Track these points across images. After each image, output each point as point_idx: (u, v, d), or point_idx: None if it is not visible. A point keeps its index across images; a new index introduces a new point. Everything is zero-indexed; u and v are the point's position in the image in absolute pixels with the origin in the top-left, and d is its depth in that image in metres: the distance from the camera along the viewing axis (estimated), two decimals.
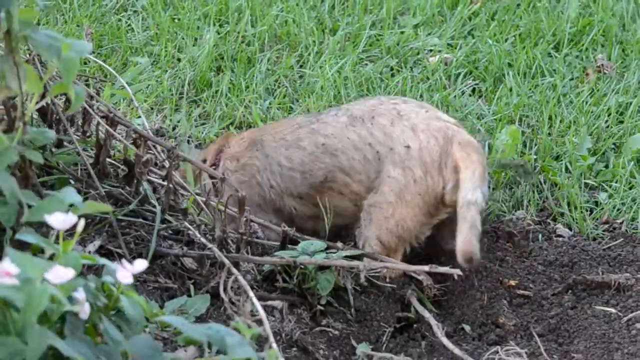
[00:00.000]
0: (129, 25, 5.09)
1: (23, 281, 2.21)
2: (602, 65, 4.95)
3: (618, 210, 4.15)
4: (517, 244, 3.94)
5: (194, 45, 4.94)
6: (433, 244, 3.70)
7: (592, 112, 4.61)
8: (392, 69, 4.91)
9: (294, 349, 3.22)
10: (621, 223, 4.09)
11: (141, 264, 2.43)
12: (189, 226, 3.36)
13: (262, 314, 2.88)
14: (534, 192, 4.20)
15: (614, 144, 4.46)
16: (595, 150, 4.43)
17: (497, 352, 3.34)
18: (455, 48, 5.03)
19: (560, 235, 4.03)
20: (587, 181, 4.27)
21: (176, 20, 5.13)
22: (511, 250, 3.91)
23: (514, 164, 4.20)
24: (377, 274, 3.47)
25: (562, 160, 4.36)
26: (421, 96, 4.64)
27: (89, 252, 3.13)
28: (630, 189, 4.22)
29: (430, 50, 5.04)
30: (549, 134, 4.48)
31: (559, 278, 3.77)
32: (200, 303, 3.15)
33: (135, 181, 3.36)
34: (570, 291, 3.69)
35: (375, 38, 5.09)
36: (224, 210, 3.29)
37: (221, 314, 3.18)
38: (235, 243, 3.34)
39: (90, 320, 2.38)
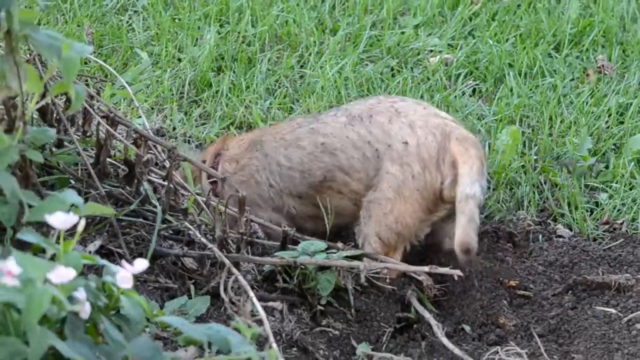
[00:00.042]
0: (129, 25, 5.08)
1: (25, 282, 2.21)
2: (603, 65, 4.95)
3: (618, 210, 4.15)
4: (518, 245, 3.94)
5: (194, 45, 4.94)
6: (433, 245, 3.70)
7: (592, 112, 4.61)
8: (392, 69, 4.91)
9: (294, 349, 3.22)
10: (621, 224, 4.09)
11: (142, 264, 2.44)
12: (190, 226, 3.36)
13: (262, 314, 2.88)
14: (534, 192, 4.20)
15: (614, 144, 4.46)
16: (596, 151, 4.43)
17: (497, 352, 3.34)
18: (456, 48, 5.03)
19: (560, 236, 4.03)
20: (588, 182, 4.27)
21: (177, 20, 5.13)
22: (511, 250, 3.90)
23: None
24: (377, 275, 3.47)
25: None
26: (422, 96, 4.64)
27: (90, 252, 3.12)
28: (630, 189, 4.22)
29: (431, 51, 5.04)
30: (550, 134, 4.48)
31: (559, 278, 3.77)
32: (201, 304, 3.15)
33: (136, 181, 3.36)
34: (570, 291, 3.69)
35: (375, 38, 5.09)
36: (224, 210, 3.29)
37: (221, 314, 3.18)
38: (235, 243, 3.34)
39: (90, 320, 2.38)
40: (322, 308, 3.38)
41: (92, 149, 3.45)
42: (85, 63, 4.71)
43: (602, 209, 4.15)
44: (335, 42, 4.97)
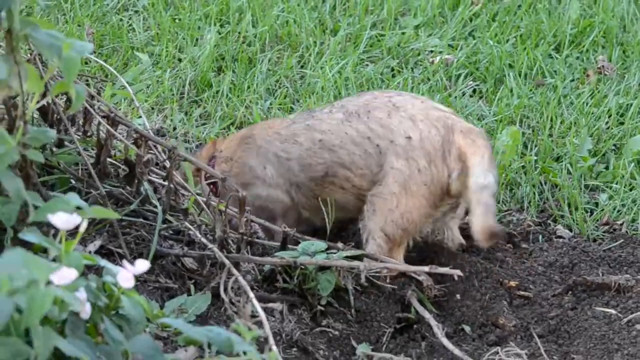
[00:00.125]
0: (130, 25, 5.09)
1: (28, 283, 2.21)
2: (603, 66, 4.95)
3: (618, 211, 4.15)
4: (518, 245, 3.94)
5: (194, 46, 4.94)
6: (434, 244, 3.70)
7: (592, 113, 4.61)
8: (392, 69, 4.91)
9: (294, 349, 3.22)
10: (621, 224, 4.09)
11: (143, 265, 2.43)
12: (190, 226, 3.36)
13: (262, 314, 2.88)
14: (534, 193, 4.20)
15: (614, 145, 4.46)
16: (596, 152, 4.43)
17: (497, 352, 3.34)
18: (456, 49, 5.03)
19: (560, 237, 4.04)
20: (588, 182, 4.27)
21: (177, 20, 5.13)
22: (511, 251, 3.91)
23: None
24: (377, 275, 3.47)
25: (562, 162, 4.36)
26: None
27: (90, 252, 3.12)
28: (630, 190, 4.22)
29: (431, 51, 5.04)
30: (550, 135, 4.48)
31: (559, 279, 3.77)
32: (202, 301, 3.15)
33: (136, 181, 3.36)
34: (570, 292, 3.69)
35: (376, 39, 5.09)
36: (224, 210, 3.29)
37: (221, 314, 3.18)
38: (235, 243, 3.34)
39: (91, 320, 2.38)
40: (322, 308, 3.38)
41: (92, 149, 3.45)
42: (86, 63, 4.71)
43: (602, 209, 4.15)
44: (335, 43, 4.97)
